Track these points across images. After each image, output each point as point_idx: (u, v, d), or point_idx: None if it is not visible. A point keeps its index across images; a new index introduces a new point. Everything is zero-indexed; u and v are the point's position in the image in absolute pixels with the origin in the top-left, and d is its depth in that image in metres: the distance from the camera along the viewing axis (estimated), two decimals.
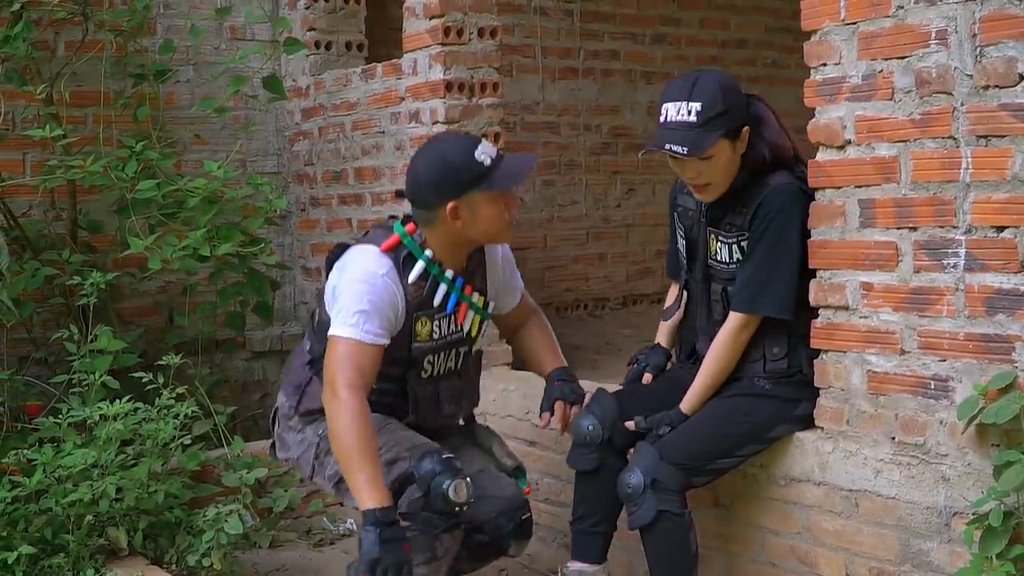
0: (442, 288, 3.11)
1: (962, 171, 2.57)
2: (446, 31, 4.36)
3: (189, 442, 3.96)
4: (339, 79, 5.29)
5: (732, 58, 6.69)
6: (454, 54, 4.39)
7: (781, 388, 2.99)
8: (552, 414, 3.29)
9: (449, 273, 3.12)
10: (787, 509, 3.03)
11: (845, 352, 2.86)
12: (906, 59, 2.66)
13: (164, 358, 4.03)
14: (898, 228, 2.71)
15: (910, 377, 2.72)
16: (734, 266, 3.00)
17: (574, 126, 6.12)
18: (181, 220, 4.49)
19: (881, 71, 2.71)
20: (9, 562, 3.41)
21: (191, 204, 4.41)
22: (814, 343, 2.94)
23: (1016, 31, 2.45)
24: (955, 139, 2.57)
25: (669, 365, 3.30)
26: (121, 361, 4.26)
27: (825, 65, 2.85)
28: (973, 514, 2.52)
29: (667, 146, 2.90)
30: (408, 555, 2.82)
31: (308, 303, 5.71)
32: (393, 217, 3.22)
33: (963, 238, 2.58)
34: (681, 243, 3.18)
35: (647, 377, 3.26)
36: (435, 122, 4.43)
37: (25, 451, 3.71)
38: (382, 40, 5.78)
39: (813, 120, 2.89)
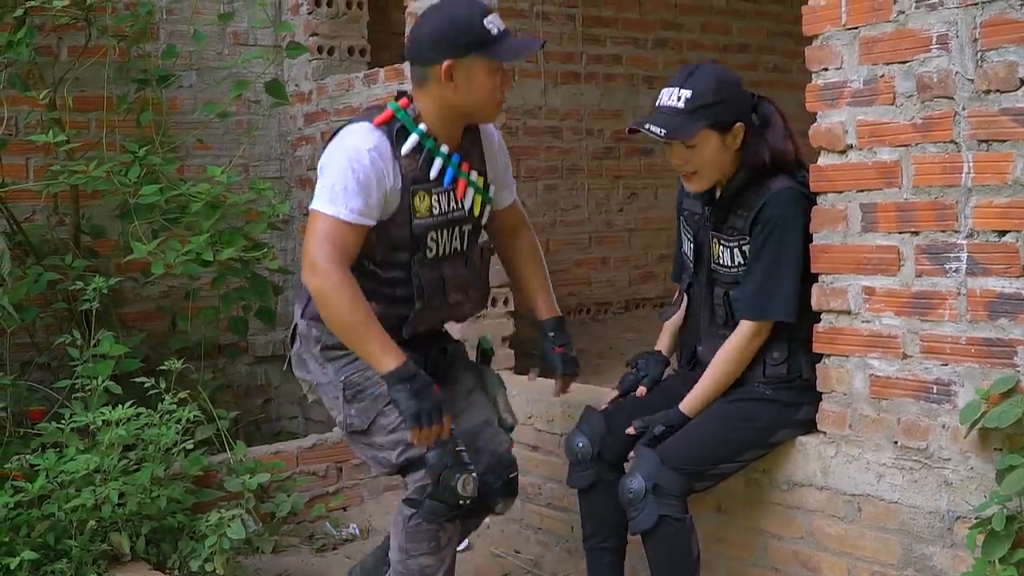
0: (438, 162, 3.03)
1: (963, 175, 2.57)
2: None
3: (191, 447, 3.96)
4: (342, 84, 5.30)
5: (734, 62, 6.68)
6: None
7: (782, 393, 2.99)
8: (537, 374, 3.40)
9: (444, 148, 3.04)
10: (790, 514, 3.03)
11: (847, 356, 2.86)
12: (907, 64, 2.66)
13: (166, 363, 4.03)
14: (900, 232, 2.71)
15: (912, 381, 2.72)
16: (735, 270, 3.00)
17: (576, 131, 6.13)
18: (184, 225, 4.50)
19: (882, 76, 2.71)
20: (12, 568, 3.41)
21: (194, 209, 4.41)
22: (816, 347, 2.94)
23: (1017, 36, 2.45)
24: (956, 144, 2.58)
25: (668, 372, 3.29)
26: (124, 366, 4.26)
27: (826, 70, 2.85)
28: (976, 518, 2.52)
29: (647, 126, 2.93)
30: (440, 396, 2.87)
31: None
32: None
33: (965, 242, 2.58)
34: (688, 246, 3.17)
35: (641, 390, 3.22)
36: None
37: (27, 456, 3.71)
38: (384, 45, 5.79)
39: (815, 125, 2.89)
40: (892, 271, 2.74)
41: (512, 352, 3.98)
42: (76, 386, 4.03)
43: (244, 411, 5.25)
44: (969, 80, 2.54)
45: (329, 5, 5.56)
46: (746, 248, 2.97)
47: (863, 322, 2.81)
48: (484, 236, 3.29)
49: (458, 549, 3.74)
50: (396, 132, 2.99)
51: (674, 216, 3.31)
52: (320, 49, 5.54)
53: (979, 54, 2.52)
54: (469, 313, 3.31)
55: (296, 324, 3.22)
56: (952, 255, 2.61)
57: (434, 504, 2.97)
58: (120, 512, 3.67)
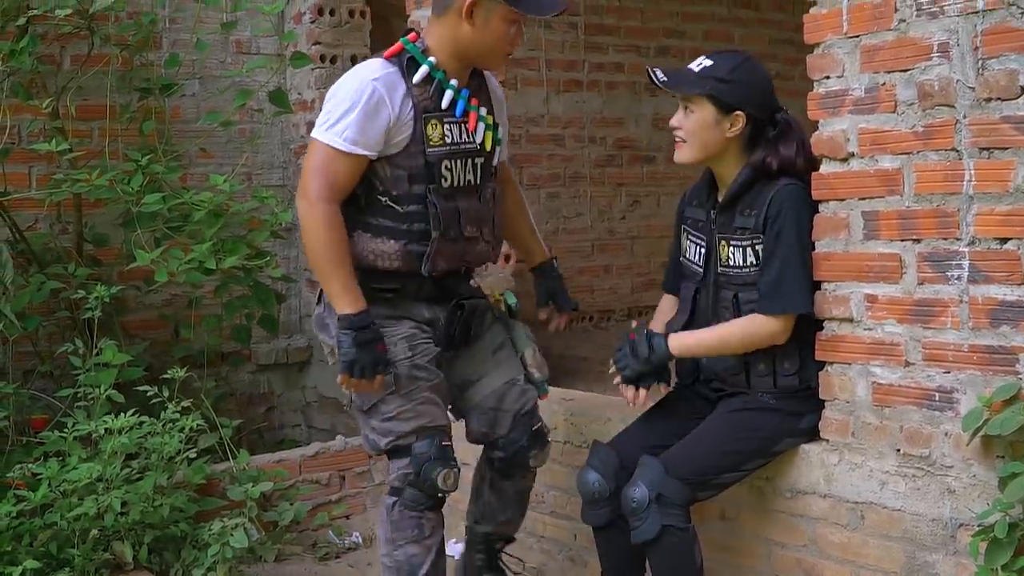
0: (448, 93, 3.06)
1: (965, 183, 2.57)
2: None
3: (194, 456, 3.96)
4: None
5: None
6: None
7: (785, 402, 2.98)
8: (552, 312, 3.49)
9: (454, 82, 3.08)
10: (793, 521, 3.03)
11: (850, 364, 2.86)
12: (908, 72, 2.66)
13: (169, 371, 4.03)
14: (902, 240, 2.71)
15: (915, 389, 2.72)
16: (747, 270, 2.97)
17: (579, 138, 6.13)
18: (187, 233, 4.50)
19: (884, 84, 2.72)
20: None
21: (197, 217, 4.42)
22: (819, 355, 2.93)
23: (1017, 44, 2.45)
24: (958, 151, 2.58)
25: (663, 387, 3.21)
26: (126, 375, 4.26)
27: (828, 78, 2.85)
28: (979, 526, 2.51)
29: (655, 70, 3.01)
30: (382, 355, 2.96)
31: (313, 315, 5.71)
32: None
33: (966, 250, 2.58)
34: (696, 252, 3.14)
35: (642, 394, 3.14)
36: None
37: (30, 465, 3.71)
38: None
39: (816, 133, 2.89)
40: (894, 279, 2.74)
41: None
42: (79, 395, 4.03)
43: (247, 419, 5.25)
44: (970, 88, 2.54)
45: (332, 14, 5.57)
46: (759, 247, 2.94)
47: (865, 330, 2.81)
48: (497, 186, 3.29)
49: (457, 557, 3.74)
50: (406, 63, 3.03)
51: (674, 229, 3.30)
52: (323, 57, 5.55)
53: (980, 62, 2.52)
54: (484, 254, 3.26)
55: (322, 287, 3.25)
56: (954, 263, 2.61)
57: (414, 492, 3.07)
58: (123, 521, 3.68)
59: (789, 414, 2.98)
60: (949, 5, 2.57)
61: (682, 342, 3.03)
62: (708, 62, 2.98)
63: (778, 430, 2.98)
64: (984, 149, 2.53)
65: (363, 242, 3.06)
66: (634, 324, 3.18)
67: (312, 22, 5.53)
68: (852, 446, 2.87)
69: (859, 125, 2.78)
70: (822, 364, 2.95)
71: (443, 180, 3.06)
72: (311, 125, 5.46)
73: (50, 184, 4.61)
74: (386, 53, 3.08)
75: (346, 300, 2.95)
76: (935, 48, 2.60)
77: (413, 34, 3.10)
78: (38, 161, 4.85)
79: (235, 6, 5.29)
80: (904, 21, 2.66)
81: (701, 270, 3.11)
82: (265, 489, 4.12)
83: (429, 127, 3.04)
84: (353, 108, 2.95)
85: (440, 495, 3.10)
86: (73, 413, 3.99)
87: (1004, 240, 2.52)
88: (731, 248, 3.00)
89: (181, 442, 3.85)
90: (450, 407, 3.28)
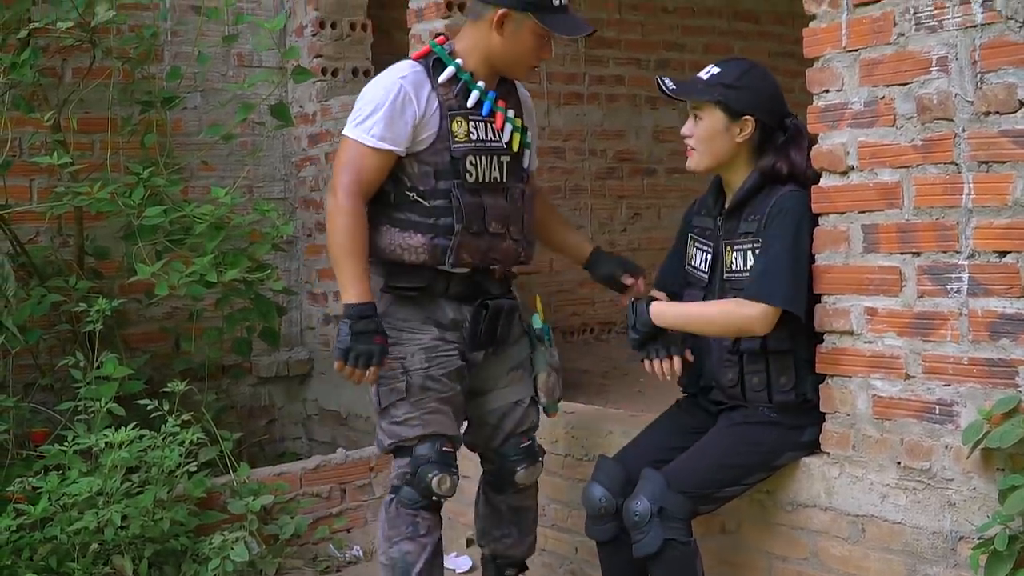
0: (475, 94, 3.16)
1: (964, 197, 2.57)
2: None
3: (195, 469, 3.96)
4: (346, 105, 5.29)
5: None
6: None
7: (786, 415, 2.98)
8: (634, 280, 3.46)
9: (481, 83, 3.17)
10: (794, 535, 3.03)
11: (850, 377, 2.86)
12: (907, 86, 2.66)
13: (169, 385, 4.03)
14: (901, 253, 2.71)
15: (915, 402, 2.72)
16: (749, 273, 2.96)
17: (579, 151, 6.13)
18: (188, 246, 4.51)
19: (883, 98, 2.72)
20: None
21: (198, 230, 4.43)
22: (819, 368, 2.93)
23: (1016, 58, 2.45)
24: (957, 165, 2.58)
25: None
26: (127, 388, 4.26)
27: (827, 92, 2.85)
28: (979, 538, 2.51)
29: (665, 80, 3.04)
30: (378, 347, 3.03)
31: (315, 328, 5.72)
32: None
33: (966, 263, 2.58)
34: (703, 259, 3.12)
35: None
36: None
37: (30, 479, 3.71)
38: (389, 66, 5.80)
39: (816, 146, 2.89)
40: (894, 292, 2.74)
41: None
42: (79, 408, 4.03)
43: (248, 432, 5.25)
44: (969, 102, 2.55)
45: (333, 27, 5.59)
46: (759, 250, 2.95)
47: (865, 343, 2.81)
48: (526, 182, 3.35)
49: (463, 570, 3.74)
50: (432, 63, 3.14)
51: (677, 235, 3.31)
52: (324, 70, 5.57)
53: (978, 76, 2.53)
54: (512, 252, 3.28)
55: None
56: (953, 276, 2.61)
57: (411, 491, 3.16)
58: (123, 535, 3.68)
59: (790, 428, 2.98)
60: (948, 19, 2.58)
61: (663, 311, 3.05)
62: (716, 69, 3.01)
63: (779, 444, 2.98)
64: (983, 163, 2.54)
65: (391, 236, 3.14)
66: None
67: (314, 35, 5.55)
68: (853, 459, 2.87)
69: (858, 138, 2.78)
70: (819, 378, 2.94)
71: (468, 175, 3.13)
72: (312, 138, 5.56)
73: (51, 197, 4.62)
74: (414, 55, 3.22)
75: (352, 290, 3.03)
76: (934, 62, 2.61)
77: (441, 37, 3.23)
78: (39, 174, 4.86)
79: (236, 19, 5.31)
80: (903, 35, 2.67)
81: (706, 276, 3.10)
82: (266, 502, 4.11)
83: (454, 124, 3.12)
84: (381, 106, 3.06)
85: (435, 498, 3.16)
86: (73, 426, 3.99)
87: (1003, 253, 2.52)
88: (734, 253, 3.00)
89: (181, 455, 3.85)
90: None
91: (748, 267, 2.96)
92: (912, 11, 2.64)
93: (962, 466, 2.62)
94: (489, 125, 3.19)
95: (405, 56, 4.58)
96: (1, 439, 4.09)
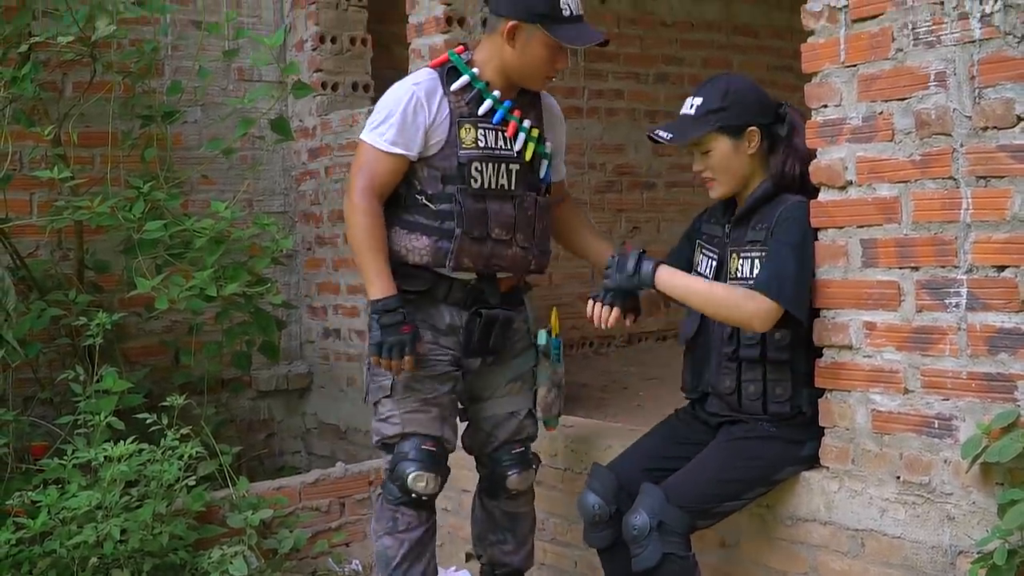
0: (488, 103, 3.22)
1: (962, 211, 2.58)
2: None
3: (194, 483, 3.95)
4: (345, 119, 5.33)
5: None
6: None
7: (786, 430, 2.98)
8: None
9: (496, 93, 3.24)
10: (794, 549, 3.02)
11: (849, 391, 2.86)
12: (906, 101, 2.67)
13: (168, 398, 4.03)
14: (900, 268, 2.72)
15: (914, 416, 2.72)
16: (754, 280, 2.96)
17: (579, 164, 6.14)
18: (188, 260, 4.51)
19: (881, 113, 2.73)
20: None
21: (198, 244, 4.43)
22: (818, 382, 2.94)
23: (1014, 73, 2.47)
24: (955, 180, 2.59)
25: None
26: (126, 402, 4.26)
27: (826, 107, 2.86)
28: (978, 553, 2.51)
29: (656, 131, 3.04)
30: (408, 336, 3.14)
31: (314, 342, 5.72)
32: None
33: (964, 278, 2.59)
34: (708, 266, 3.11)
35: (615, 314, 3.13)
36: None
37: (29, 492, 3.70)
38: (388, 81, 5.79)
39: (815, 161, 2.90)
40: (893, 306, 2.74)
41: None
42: (79, 422, 4.03)
43: (247, 446, 5.25)
44: (967, 117, 2.56)
45: (333, 42, 5.61)
46: (767, 254, 2.95)
47: (864, 357, 2.82)
48: (543, 195, 3.37)
49: None
50: (447, 72, 3.23)
51: (683, 235, 3.31)
52: (324, 85, 5.58)
53: (977, 91, 2.54)
54: (520, 260, 3.31)
55: None
56: (952, 290, 2.61)
57: (391, 486, 3.27)
58: (122, 549, 3.67)
59: (790, 442, 2.98)
60: (946, 35, 2.59)
61: (671, 278, 3.01)
62: (698, 100, 3.01)
63: (779, 458, 2.98)
64: (981, 178, 2.54)
65: (399, 238, 3.23)
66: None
67: (314, 50, 5.57)
68: (852, 473, 2.87)
69: (857, 153, 2.79)
70: (815, 392, 2.95)
71: (473, 181, 3.19)
72: (312, 152, 5.57)
73: (51, 211, 4.62)
74: (432, 63, 3.31)
75: (377, 286, 3.15)
76: (932, 77, 2.62)
77: (460, 47, 3.32)
78: (40, 188, 4.87)
79: (237, 34, 5.33)
80: (901, 51, 2.68)
81: None
82: (265, 516, 4.11)
83: (463, 131, 3.20)
84: (394, 112, 3.17)
85: (414, 495, 3.23)
86: (73, 440, 3.99)
87: (1002, 268, 2.53)
88: (741, 260, 3.01)
89: (180, 469, 3.84)
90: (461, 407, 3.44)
91: (753, 274, 2.96)
92: (910, 26, 2.66)
93: (961, 480, 2.63)
94: (500, 133, 3.24)
95: (405, 71, 4.63)
96: (1, 453, 4.09)
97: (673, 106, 3.15)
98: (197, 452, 3.91)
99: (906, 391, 2.73)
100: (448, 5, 4.41)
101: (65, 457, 3.81)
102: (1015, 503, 2.41)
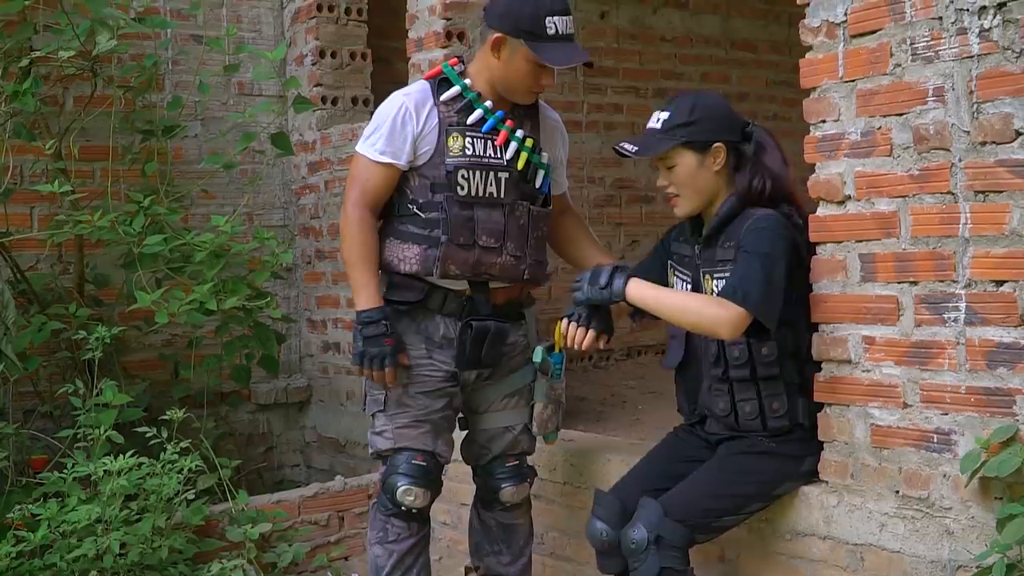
0: (478, 112, 3.25)
1: (961, 226, 2.59)
2: None
3: (193, 496, 3.96)
4: (345, 134, 5.34)
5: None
6: None
7: (786, 446, 2.98)
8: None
9: (488, 103, 3.27)
10: (793, 564, 3.02)
11: (848, 406, 2.86)
12: (904, 116, 2.69)
13: (168, 412, 4.03)
14: (899, 282, 2.73)
15: (913, 431, 2.72)
16: None
17: (578, 179, 6.14)
18: (188, 274, 4.52)
19: (880, 128, 2.74)
20: None
21: (198, 258, 4.44)
22: (817, 397, 2.94)
23: (1012, 88, 2.48)
24: (953, 195, 2.60)
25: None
26: (126, 415, 4.26)
27: (824, 122, 2.87)
28: (977, 567, 2.51)
29: (622, 144, 3.06)
30: (389, 348, 3.19)
31: (313, 356, 5.73)
32: None
33: (963, 292, 2.60)
34: (683, 288, 3.10)
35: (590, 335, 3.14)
36: None
37: (29, 506, 3.71)
38: (388, 95, 5.83)
39: (813, 176, 2.91)
40: (891, 321, 2.75)
41: None
42: (78, 435, 4.03)
43: (246, 459, 5.25)
44: (965, 132, 2.57)
45: (333, 56, 5.62)
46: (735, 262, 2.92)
47: (863, 371, 2.82)
48: (539, 207, 3.38)
49: None
50: (439, 82, 3.28)
51: (653, 249, 3.29)
52: (324, 99, 5.59)
53: (975, 106, 2.55)
54: (510, 269, 3.32)
55: None
56: (951, 305, 2.62)
57: (383, 497, 3.33)
58: (122, 562, 3.67)
59: (789, 457, 2.98)
60: (944, 50, 2.60)
61: (641, 290, 3.00)
62: (665, 114, 3.01)
63: (779, 474, 2.98)
64: (980, 192, 2.55)
65: (393, 248, 3.28)
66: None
67: (314, 64, 5.58)
68: (851, 488, 2.88)
69: (855, 168, 2.80)
70: (811, 403, 2.95)
71: (459, 188, 3.22)
72: (312, 166, 5.58)
73: (52, 225, 4.63)
74: (426, 75, 3.37)
75: (362, 296, 3.21)
76: (930, 92, 2.63)
77: (454, 59, 3.35)
78: (40, 202, 4.87)
79: (237, 49, 5.34)
80: (900, 66, 2.69)
81: None
82: (264, 530, 4.11)
83: (450, 139, 3.23)
84: (384, 122, 3.24)
85: (404, 508, 3.28)
86: (73, 454, 3.99)
87: (1000, 282, 2.53)
88: (715, 281, 2.98)
89: (180, 483, 3.84)
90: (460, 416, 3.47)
91: None
92: (909, 42, 2.67)
93: (960, 495, 2.63)
94: (489, 142, 3.26)
95: (405, 85, 4.64)
96: (1, 466, 4.09)
97: None
98: (196, 466, 3.91)
99: (905, 405, 2.73)
100: (448, 20, 4.43)
101: (65, 470, 3.81)
102: (1014, 517, 2.42)
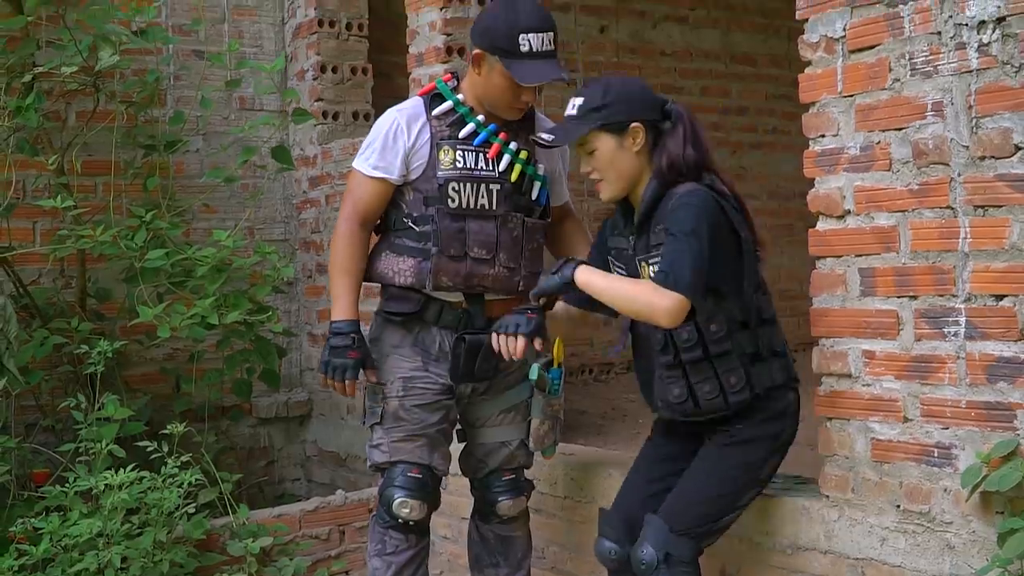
0: (470, 126, 3.29)
1: (961, 240, 2.59)
2: None
3: (194, 510, 3.96)
4: (346, 148, 5.35)
5: (733, 125, 6.75)
6: None
7: (760, 428, 2.92)
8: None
9: (480, 117, 3.30)
10: None
11: (849, 420, 2.87)
12: (903, 131, 2.69)
13: (169, 426, 4.04)
14: (899, 297, 2.73)
15: (913, 445, 2.73)
16: None
17: (579, 192, 6.12)
18: (189, 288, 4.53)
19: (879, 142, 2.75)
20: None
21: (199, 272, 4.45)
22: (818, 411, 2.94)
23: (1011, 103, 2.49)
24: (953, 209, 2.61)
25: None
26: (127, 429, 4.27)
27: (823, 136, 2.88)
28: None
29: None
30: (351, 361, 3.26)
31: (314, 369, 5.73)
32: None
33: (963, 306, 2.60)
34: None
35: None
36: None
37: (31, 520, 3.71)
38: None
39: (813, 190, 2.92)
40: (891, 335, 2.75)
41: None
42: (80, 449, 4.03)
43: (247, 473, 5.25)
44: (964, 146, 2.58)
45: (334, 71, 5.64)
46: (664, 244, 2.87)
47: (864, 385, 2.82)
48: (535, 219, 3.39)
49: None
50: (432, 98, 3.33)
51: (593, 246, 3.26)
52: (325, 114, 5.61)
53: (974, 121, 2.56)
54: (504, 280, 3.32)
55: None
56: (951, 319, 2.63)
57: (380, 509, 3.35)
58: None
59: (766, 437, 2.94)
60: (943, 64, 2.61)
61: (589, 275, 2.97)
62: (579, 100, 2.98)
63: (762, 457, 2.94)
64: (979, 207, 2.56)
65: (389, 261, 3.33)
66: None
67: (315, 79, 5.60)
68: (852, 502, 2.88)
69: (855, 183, 2.81)
70: (766, 368, 2.90)
71: (450, 200, 3.26)
72: (313, 180, 5.60)
73: (54, 239, 4.64)
74: (421, 91, 3.41)
75: (337, 307, 3.29)
76: (929, 107, 2.64)
77: (448, 75, 3.39)
78: (43, 216, 4.89)
79: (239, 64, 5.36)
80: (898, 81, 2.70)
81: None
82: (265, 544, 4.10)
83: (441, 152, 3.27)
84: (377, 138, 3.30)
85: (400, 520, 3.30)
86: (74, 468, 3.99)
87: (1000, 297, 2.54)
88: (650, 268, 2.92)
89: (181, 497, 3.84)
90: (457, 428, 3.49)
91: None
92: (907, 57, 2.68)
93: (961, 509, 2.63)
94: (481, 155, 3.29)
95: (405, 99, 4.66)
96: (3, 480, 4.09)
97: None
98: (197, 480, 3.92)
99: (905, 420, 2.74)
100: (449, 35, 4.45)
101: (67, 484, 3.82)
102: (1015, 532, 2.42)
